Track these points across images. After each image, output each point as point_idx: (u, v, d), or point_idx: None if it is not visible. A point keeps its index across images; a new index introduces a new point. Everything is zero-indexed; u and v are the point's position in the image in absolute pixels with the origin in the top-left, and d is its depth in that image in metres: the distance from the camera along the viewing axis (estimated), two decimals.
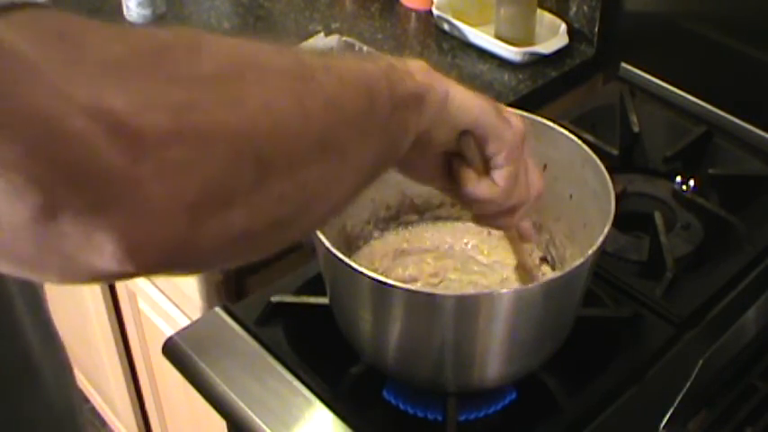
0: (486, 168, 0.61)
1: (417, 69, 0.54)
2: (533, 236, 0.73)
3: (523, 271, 0.81)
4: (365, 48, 1.23)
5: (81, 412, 0.71)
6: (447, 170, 0.62)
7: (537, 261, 0.87)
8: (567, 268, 0.70)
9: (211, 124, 0.37)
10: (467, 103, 0.58)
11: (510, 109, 0.62)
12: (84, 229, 0.34)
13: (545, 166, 0.83)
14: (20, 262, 0.36)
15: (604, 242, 0.70)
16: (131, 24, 1.35)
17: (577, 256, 0.79)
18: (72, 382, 0.69)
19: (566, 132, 0.81)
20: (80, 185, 0.34)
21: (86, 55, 0.36)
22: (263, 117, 0.40)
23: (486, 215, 0.66)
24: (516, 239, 0.76)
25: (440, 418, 0.77)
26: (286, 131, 0.42)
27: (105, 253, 0.35)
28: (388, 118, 0.51)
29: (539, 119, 0.82)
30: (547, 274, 0.85)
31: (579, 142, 0.79)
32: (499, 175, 0.61)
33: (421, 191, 0.88)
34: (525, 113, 0.83)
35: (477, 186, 0.62)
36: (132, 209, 0.35)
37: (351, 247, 0.85)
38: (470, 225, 0.90)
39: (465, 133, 0.59)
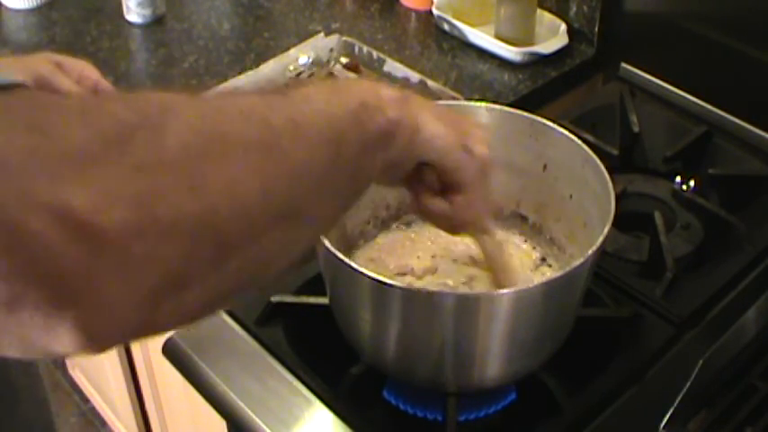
0: (443, 189, 0.62)
1: (389, 101, 0.54)
2: (491, 232, 0.74)
3: (496, 270, 0.79)
4: (365, 48, 1.23)
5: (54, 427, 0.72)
6: (406, 182, 0.63)
7: (537, 261, 0.87)
8: (567, 268, 0.70)
9: (174, 214, 0.38)
10: (434, 137, 0.57)
11: (477, 135, 0.62)
12: (44, 321, 0.35)
13: (545, 167, 0.83)
14: None
15: (604, 242, 0.70)
16: (131, 25, 1.35)
17: (578, 256, 0.79)
18: (47, 396, 0.70)
19: (566, 132, 0.81)
20: (40, 282, 0.34)
21: (52, 146, 0.35)
22: (224, 200, 0.40)
23: (441, 227, 0.67)
24: (484, 241, 0.75)
25: (440, 418, 0.77)
26: (246, 210, 0.42)
27: (64, 341, 0.36)
28: (355, 163, 0.51)
29: (539, 119, 0.82)
30: (546, 274, 0.85)
31: (579, 142, 0.79)
32: (455, 200, 0.62)
33: None
34: (525, 113, 0.83)
35: (430, 205, 0.63)
36: (91, 304, 0.36)
37: (351, 246, 0.85)
38: None
39: (425, 163, 0.60)
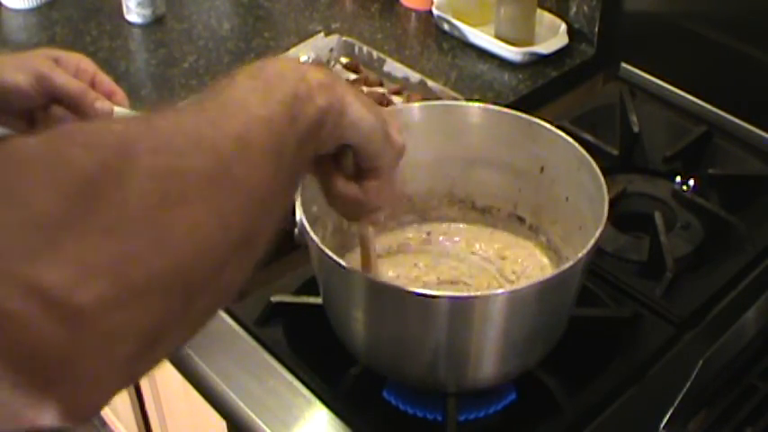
0: (356, 174, 0.63)
1: (317, 87, 0.54)
2: (381, 224, 0.74)
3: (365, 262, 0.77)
4: (365, 48, 1.23)
5: None
6: (319, 166, 0.63)
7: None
8: (559, 269, 0.70)
9: (147, 274, 0.37)
10: (358, 121, 0.58)
11: (395, 124, 0.63)
12: (26, 399, 0.35)
13: (542, 168, 0.83)
14: None
15: (596, 245, 0.70)
16: (131, 25, 1.35)
17: (573, 258, 0.79)
18: None
19: (562, 134, 0.81)
20: (18, 363, 0.34)
21: (20, 215, 0.35)
22: (188, 246, 0.40)
23: (344, 212, 0.67)
24: (368, 246, 0.74)
25: (440, 418, 0.77)
26: (210, 251, 0.42)
27: (46, 416, 0.36)
28: (293, 163, 0.51)
29: (536, 120, 0.82)
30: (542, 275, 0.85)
31: (576, 144, 0.79)
32: (368, 186, 0.63)
33: (418, 191, 0.88)
34: (522, 114, 0.83)
35: (344, 190, 0.63)
36: (72, 381, 0.36)
37: (347, 246, 0.85)
38: (468, 225, 0.90)
39: (346, 145, 0.60)
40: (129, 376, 0.39)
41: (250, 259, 0.47)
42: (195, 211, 0.41)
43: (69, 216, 0.36)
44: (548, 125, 0.81)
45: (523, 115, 0.83)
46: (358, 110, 0.57)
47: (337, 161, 0.62)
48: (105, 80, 0.78)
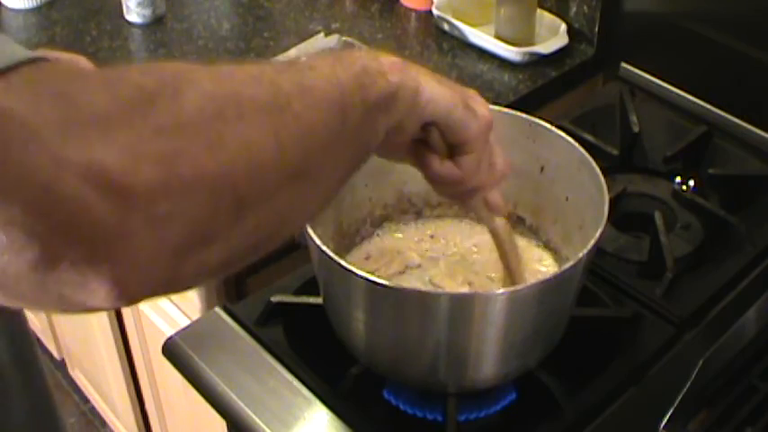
0: (450, 152, 0.64)
1: (389, 66, 0.56)
2: (503, 208, 0.74)
3: (508, 273, 0.78)
4: (365, 48, 1.23)
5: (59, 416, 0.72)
6: (414, 151, 0.65)
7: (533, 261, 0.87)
8: (560, 270, 0.70)
9: (196, 172, 0.40)
10: (436, 97, 0.59)
11: (478, 98, 0.64)
12: (80, 277, 0.38)
13: (542, 168, 0.83)
14: (20, 299, 0.40)
15: (596, 245, 0.70)
16: (131, 25, 1.35)
17: (573, 258, 0.79)
18: (49, 390, 0.71)
19: (562, 134, 0.80)
20: (74, 241, 0.37)
21: (79, 112, 0.37)
22: (241, 158, 0.42)
23: (449, 193, 0.69)
24: (501, 240, 0.75)
25: (440, 418, 0.77)
26: (263, 168, 0.44)
27: (99, 295, 0.39)
28: (360, 126, 0.53)
29: (536, 120, 0.82)
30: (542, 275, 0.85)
31: (576, 144, 0.79)
32: (462, 161, 0.64)
33: (419, 189, 0.88)
34: (522, 114, 0.83)
35: (440, 169, 0.64)
36: (123, 259, 0.38)
37: (347, 245, 0.85)
38: (470, 224, 0.90)
39: (430, 123, 0.61)
40: (177, 269, 0.41)
41: (304, 198, 0.49)
42: (249, 130, 0.43)
43: (123, 115, 0.38)
44: (548, 125, 0.81)
45: (523, 115, 0.83)
46: (434, 87, 0.59)
47: (427, 143, 0.63)
48: None
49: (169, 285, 0.42)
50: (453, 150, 0.64)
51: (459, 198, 0.70)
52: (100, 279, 0.38)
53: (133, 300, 0.40)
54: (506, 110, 0.84)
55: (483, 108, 0.64)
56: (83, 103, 0.38)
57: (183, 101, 0.41)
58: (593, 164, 0.77)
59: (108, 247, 0.37)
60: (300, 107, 0.47)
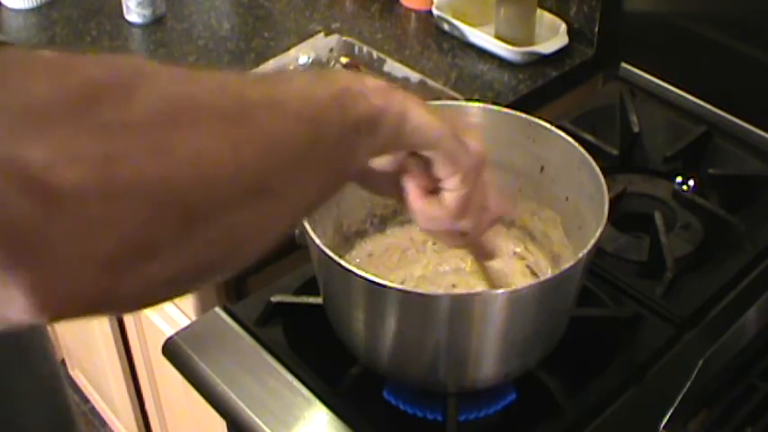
0: (436, 188, 0.59)
1: (374, 89, 0.52)
2: (493, 255, 0.71)
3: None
4: (365, 48, 1.23)
5: (64, 386, 0.72)
6: (398, 184, 0.60)
7: (531, 262, 0.87)
8: (560, 270, 0.70)
9: (135, 177, 0.36)
10: (423, 125, 0.55)
11: (472, 131, 0.59)
12: None
13: (542, 168, 0.83)
14: None
15: (596, 245, 0.70)
16: (131, 25, 1.35)
17: (572, 258, 0.79)
18: (54, 353, 0.70)
19: (562, 134, 0.80)
20: None
21: (13, 100, 0.35)
22: (190, 168, 0.39)
23: (434, 232, 0.64)
24: (478, 256, 0.72)
25: (440, 417, 0.77)
26: (216, 180, 0.40)
27: (17, 305, 0.35)
28: (336, 147, 0.49)
29: (536, 120, 0.82)
30: (541, 275, 0.85)
31: (575, 144, 0.79)
32: (449, 198, 0.59)
33: None
34: (521, 114, 0.83)
35: (422, 205, 0.60)
36: (44, 266, 0.35)
37: (347, 245, 0.85)
38: None
39: (414, 154, 0.57)
40: (110, 283, 0.37)
41: (272, 215, 0.45)
42: (203, 139, 0.40)
43: (64, 108, 0.35)
44: (547, 125, 0.81)
45: (523, 115, 0.83)
46: (422, 114, 0.54)
47: (411, 173, 0.59)
48: None
49: (105, 302, 0.38)
50: (440, 186, 0.59)
51: (443, 240, 0.66)
52: (19, 286, 0.34)
53: (59, 314, 0.37)
54: (506, 110, 0.84)
55: (476, 142, 0.58)
56: (20, 91, 0.35)
57: (134, 99, 0.38)
58: (593, 164, 0.77)
59: (27, 250, 0.34)
60: (267, 120, 0.44)
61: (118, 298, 0.38)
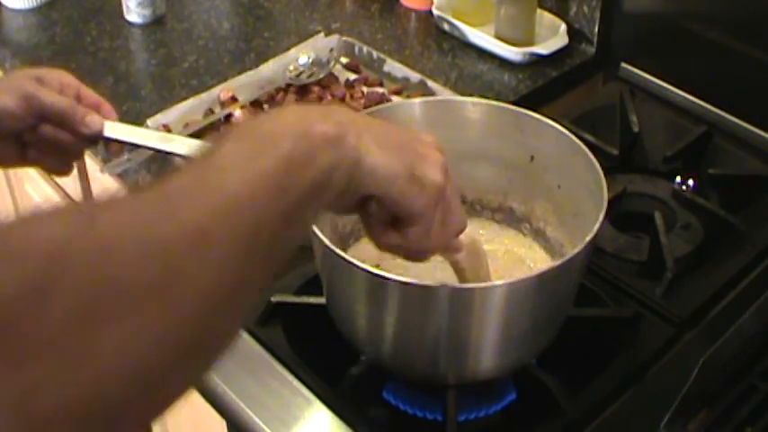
0: (394, 222, 0.58)
1: (323, 140, 0.49)
2: (461, 247, 0.70)
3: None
4: (365, 48, 1.23)
5: None
6: (357, 210, 0.58)
7: (526, 251, 0.86)
8: (562, 259, 0.70)
9: (55, 406, 0.34)
10: (377, 169, 0.53)
11: (431, 159, 0.57)
12: None
13: (532, 158, 0.84)
14: None
15: (600, 230, 0.70)
16: (131, 25, 1.35)
17: (568, 245, 0.79)
18: None
19: (551, 123, 0.81)
20: None
21: None
22: (115, 368, 0.36)
23: (397, 256, 0.63)
24: (464, 276, 0.73)
25: (440, 417, 0.77)
26: (138, 373, 0.37)
27: None
28: (277, 241, 0.46)
29: (523, 111, 0.83)
30: (535, 264, 0.85)
31: (566, 132, 0.80)
32: (407, 232, 0.58)
33: None
34: (510, 106, 0.84)
35: (382, 239, 0.59)
36: None
37: (343, 245, 0.85)
38: (469, 217, 0.90)
39: (370, 196, 0.56)
40: None
41: (200, 366, 0.43)
42: (127, 327, 0.36)
43: None
44: (536, 115, 0.82)
45: (511, 107, 0.84)
46: (376, 157, 0.52)
47: (370, 213, 0.57)
48: (90, 93, 0.78)
49: None
50: (399, 220, 0.57)
51: (406, 259, 0.64)
52: None
53: None
54: (494, 102, 0.85)
55: (434, 174, 0.56)
56: None
57: (49, 309, 0.34)
58: (587, 150, 0.77)
59: None
60: (196, 268, 0.40)
61: None
